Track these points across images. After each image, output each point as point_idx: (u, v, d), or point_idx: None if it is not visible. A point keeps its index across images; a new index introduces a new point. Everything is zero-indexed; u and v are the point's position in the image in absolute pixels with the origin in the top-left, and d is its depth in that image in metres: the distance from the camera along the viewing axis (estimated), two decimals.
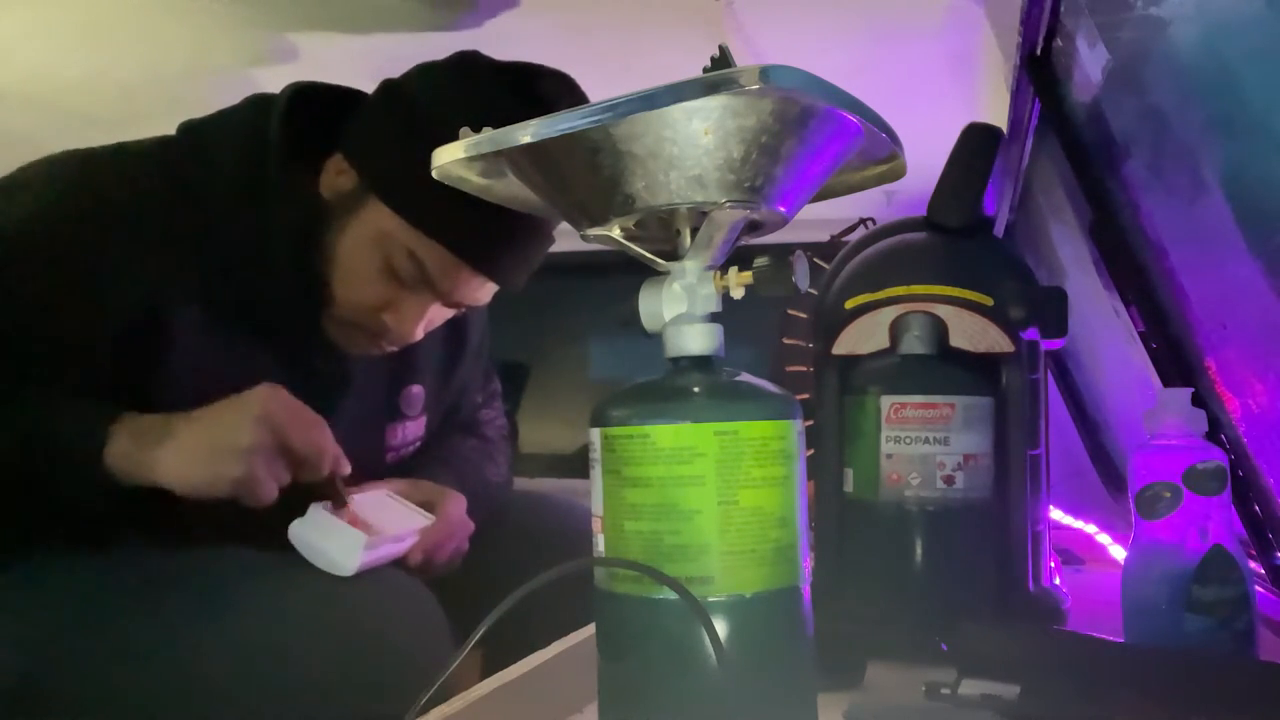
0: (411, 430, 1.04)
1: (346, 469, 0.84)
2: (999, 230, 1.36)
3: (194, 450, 0.77)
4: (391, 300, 0.87)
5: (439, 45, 0.90)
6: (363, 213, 0.85)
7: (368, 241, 0.85)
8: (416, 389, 1.04)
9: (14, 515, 0.80)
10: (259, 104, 0.88)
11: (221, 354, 0.85)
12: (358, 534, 0.82)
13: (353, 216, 0.86)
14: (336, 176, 0.87)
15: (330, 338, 0.90)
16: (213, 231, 0.84)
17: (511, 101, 0.83)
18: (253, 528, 0.81)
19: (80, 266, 0.80)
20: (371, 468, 0.99)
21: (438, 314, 0.92)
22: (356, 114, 0.88)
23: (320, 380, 0.92)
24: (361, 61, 1.10)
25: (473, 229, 0.84)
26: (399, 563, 0.88)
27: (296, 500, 0.83)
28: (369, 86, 0.90)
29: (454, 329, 1.05)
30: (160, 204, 0.83)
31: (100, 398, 0.80)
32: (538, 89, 0.85)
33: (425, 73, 0.87)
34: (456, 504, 0.95)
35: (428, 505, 0.94)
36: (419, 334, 0.91)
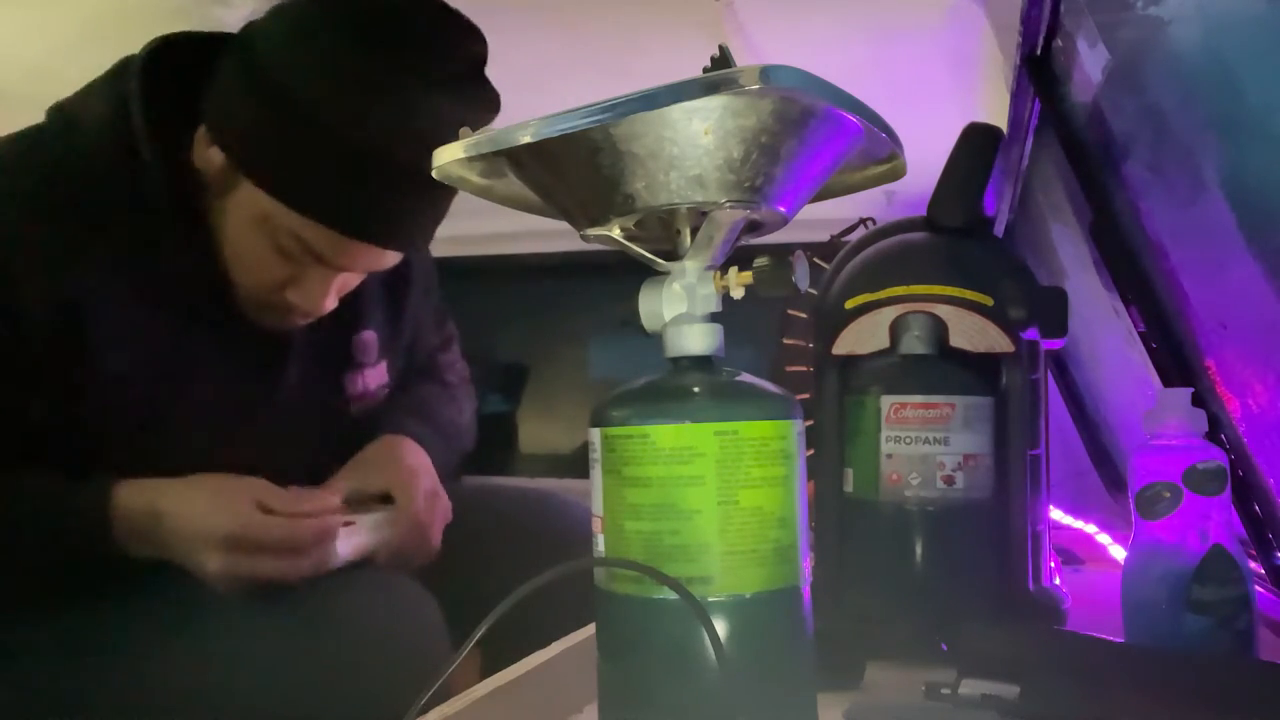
0: (372, 378, 1.00)
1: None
2: (999, 230, 1.36)
3: (179, 550, 0.77)
4: (291, 277, 0.82)
5: None
6: (239, 192, 0.79)
7: (250, 223, 0.79)
8: (369, 334, 0.98)
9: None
10: (123, 69, 0.80)
11: (153, 340, 0.82)
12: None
13: (230, 196, 0.79)
14: (206, 149, 0.79)
15: (247, 315, 0.86)
16: (97, 224, 0.78)
17: (353, 48, 0.74)
18: None
19: None
20: (334, 421, 0.97)
21: (349, 279, 0.86)
22: (214, 75, 0.79)
23: (256, 352, 0.88)
24: None
25: (352, 203, 0.78)
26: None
27: None
28: None
29: (394, 272, 0.98)
30: (37, 195, 0.78)
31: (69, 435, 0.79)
32: (386, 28, 0.75)
33: (273, 19, 0.78)
34: (415, 483, 0.91)
35: (382, 489, 0.91)
36: (330, 304, 0.86)
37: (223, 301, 0.85)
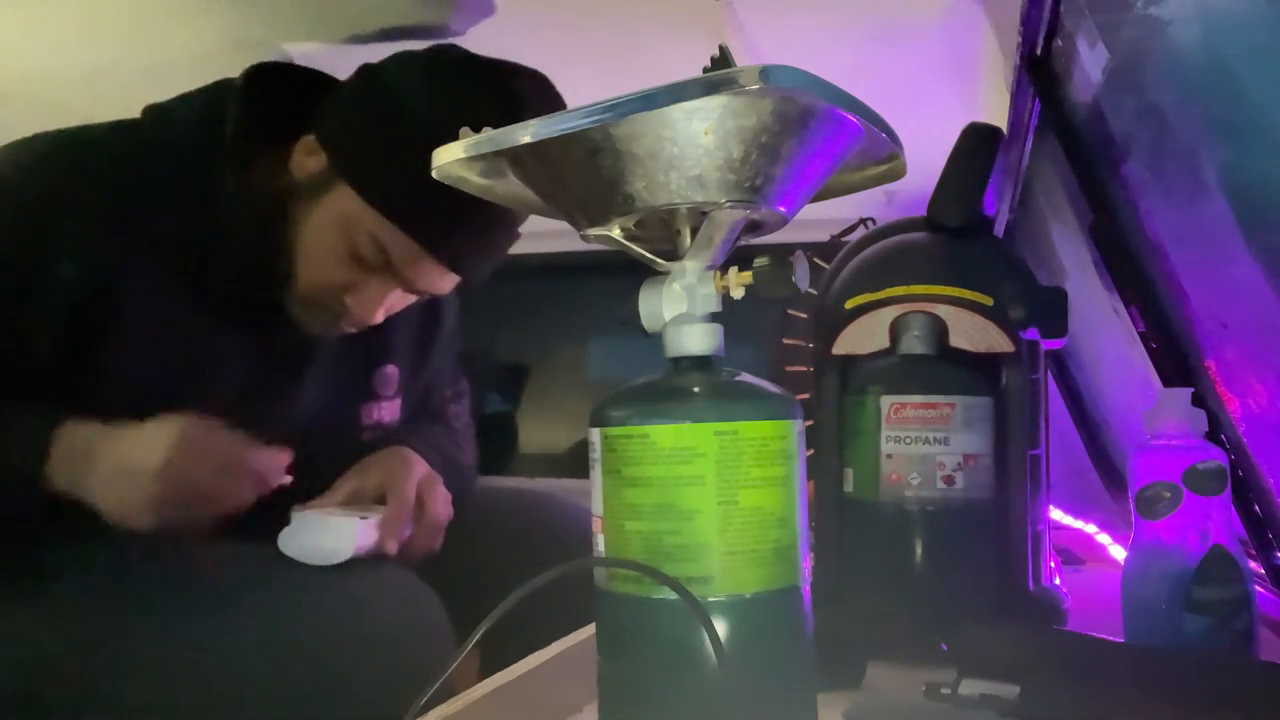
0: (387, 410, 1.05)
1: (279, 481, 0.85)
2: (999, 230, 1.36)
3: (106, 487, 0.78)
4: (353, 283, 0.88)
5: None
6: (330, 195, 0.86)
7: (333, 224, 0.86)
8: (391, 369, 1.04)
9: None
10: (223, 85, 0.89)
11: (180, 336, 0.86)
12: (349, 519, 0.84)
13: (320, 198, 0.86)
14: (307, 157, 0.88)
15: (292, 316, 0.90)
16: (171, 211, 0.84)
17: (486, 98, 0.84)
18: (248, 528, 0.82)
19: (23, 245, 0.80)
20: (347, 445, 1.00)
21: (398, 299, 0.93)
22: (330, 96, 0.88)
23: (283, 358, 0.93)
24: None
25: (439, 221, 0.84)
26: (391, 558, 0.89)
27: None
28: None
29: (428, 316, 1.07)
30: (115, 184, 0.83)
31: (48, 386, 0.81)
32: (513, 87, 0.85)
33: (403, 63, 0.88)
34: (409, 478, 0.94)
35: (379, 488, 0.93)
36: (379, 317, 0.92)
37: (270, 299, 0.89)
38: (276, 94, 0.89)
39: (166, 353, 0.85)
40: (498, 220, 0.88)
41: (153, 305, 0.84)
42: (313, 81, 0.92)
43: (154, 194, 0.84)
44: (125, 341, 0.83)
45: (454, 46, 0.89)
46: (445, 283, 0.91)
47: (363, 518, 0.86)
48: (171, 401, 0.84)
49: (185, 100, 0.89)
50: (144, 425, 0.80)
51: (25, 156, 0.85)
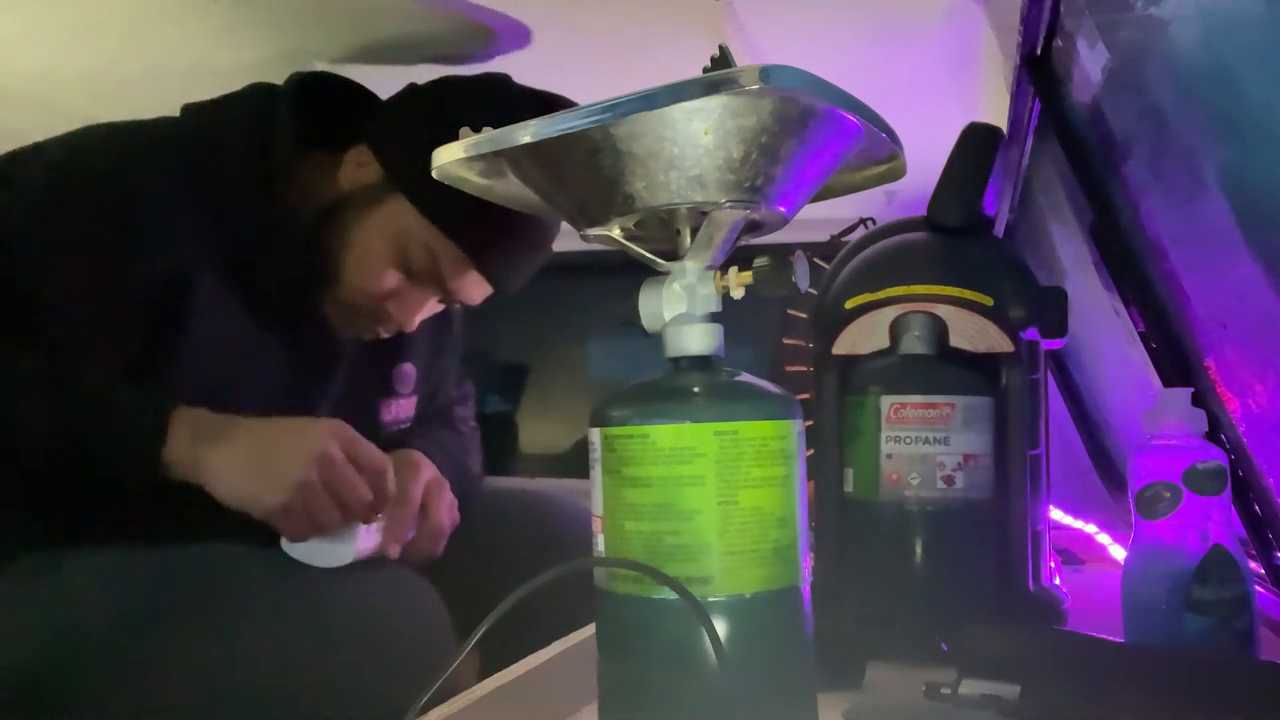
0: (404, 408, 1.07)
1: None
2: (999, 230, 1.36)
3: (246, 464, 0.78)
4: (399, 291, 0.91)
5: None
6: (385, 206, 0.89)
7: (387, 234, 0.89)
8: (409, 367, 1.07)
9: (48, 503, 0.82)
10: (263, 90, 0.91)
11: (222, 328, 0.87)
12: (352, 522, 0.83)
13: (374, 208, 0.89)
14: (358, 168, 0.91)
15: (327, 318, 0.93)
16: (218, 211, 0.86)
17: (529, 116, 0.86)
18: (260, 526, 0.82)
19: (105, 227, 0.82)
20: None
21: (431, 307, 0.96)
22: (384, 111, 0.92)
23: (313, 357, 0.95)
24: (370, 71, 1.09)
25: (489, 236, 0.88)
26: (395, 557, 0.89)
27: None
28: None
29: (439, 316, 1.09)
30: (173, 179, 0.85)
31: (126, 375, 0.82)
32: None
33: (457, 85, 0.91)
34: (415, 481, 0.94)
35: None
36: (415, 324, 0.96)
37: (311, 302, 0.91)
38: (321, 103, 0.92)
39: (214, 352, 0.86)
40: (539, 237, 0.94)
41: (208, 304, 0.85)
42: (354, 93, 0.95)
43: (210, 191, 0.86)
44: (185, 335, 0.84)
45: (507, 76, 0.92)
46: (481, 294, 0.95)
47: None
48: (213, 401, 0.84)
49: (226, 104, 0.91)
50: (300, 419, 0.83)
51: (96, 146, 0.86)
